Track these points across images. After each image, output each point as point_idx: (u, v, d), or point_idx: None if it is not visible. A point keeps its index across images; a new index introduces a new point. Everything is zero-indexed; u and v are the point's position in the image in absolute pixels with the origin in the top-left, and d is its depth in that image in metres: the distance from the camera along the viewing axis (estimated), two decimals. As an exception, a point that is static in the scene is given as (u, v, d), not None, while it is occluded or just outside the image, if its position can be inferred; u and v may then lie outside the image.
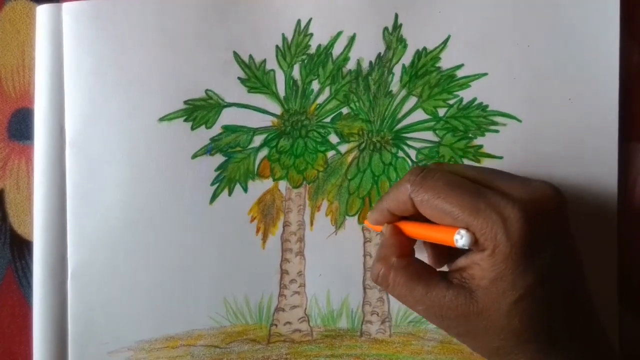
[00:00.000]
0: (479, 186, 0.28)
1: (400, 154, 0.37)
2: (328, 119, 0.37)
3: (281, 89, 0.37)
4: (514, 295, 0.26)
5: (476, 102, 0.36)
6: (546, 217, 0.27)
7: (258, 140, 0.37)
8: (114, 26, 0.37)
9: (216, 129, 0.37)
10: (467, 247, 0.27)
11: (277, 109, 0.37)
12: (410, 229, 0.31)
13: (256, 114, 0.37)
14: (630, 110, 0.36)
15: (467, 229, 0.27)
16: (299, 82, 0.37)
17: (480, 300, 0.27)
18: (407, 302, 0.29)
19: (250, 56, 0.37)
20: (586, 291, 0.29)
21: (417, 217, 0.30)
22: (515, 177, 0.29)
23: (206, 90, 0.37)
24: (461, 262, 0.28)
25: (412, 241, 0.31)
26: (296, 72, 0.37)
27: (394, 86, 0.37)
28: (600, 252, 0.35)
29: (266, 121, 0.37)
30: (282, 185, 0.37)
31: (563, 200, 0.28)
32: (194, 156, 0.37)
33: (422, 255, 0.32)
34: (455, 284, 0.28)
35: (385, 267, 0.29)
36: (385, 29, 0.36)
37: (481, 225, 0.26)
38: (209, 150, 0.37)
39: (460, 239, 0.27)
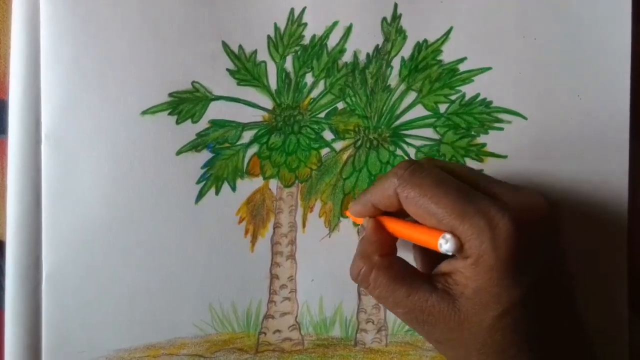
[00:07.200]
0: (469, 188, 0.27)
1: (399, 152, 0.37)
2: (322, 115, 0.37)
3: (273, 82, 0.37)
4: (497, 309, 0.26)
5: (479, 98, 0.36)
6: (538, 230, 0.27)
7: (248, 136, 0.37)
8: (94, 13, 0.36)
9: (203, 124, 0.36)
10: (450, 253, 0.26)
11: (268, 103, 0.37)
12: (394, 225, 0.30)
13: (246, 108, 0.37)
14: (642, 107, 0.36)
15: (453, 233, 0.26)
16: (292, 75, 0.37)
17: (462, 309, 0.26)
18: (386, 304, 0.29)
19: (240, 46, 0.36)
20: (576, 307, 0.29)
21: (402, 213, 0.29)
22: (506, 183, 0.29)
23: (192, 82, 0.36)
24: (444, 267, 0.28)
25: (395, 238, 0.31)
26: (289, 64, 0.37)
27: (393, 80, 0.36)
28: (610, 255, 0.36)
29: (256, 116, 0.37)
30: (273, 184, 0.37)
31: (554, 212, 0.28)
32: (179, 152, 0.36)
33: (405, 254, 0.32)
34: (440, 289, 0.27)
35: (367, 265, 0.29)
36: (384, 19, 0.36)
37: (466, 231, 0.26)
38: (194, 146, 0.36)
39: (445, 244, 0.26)
